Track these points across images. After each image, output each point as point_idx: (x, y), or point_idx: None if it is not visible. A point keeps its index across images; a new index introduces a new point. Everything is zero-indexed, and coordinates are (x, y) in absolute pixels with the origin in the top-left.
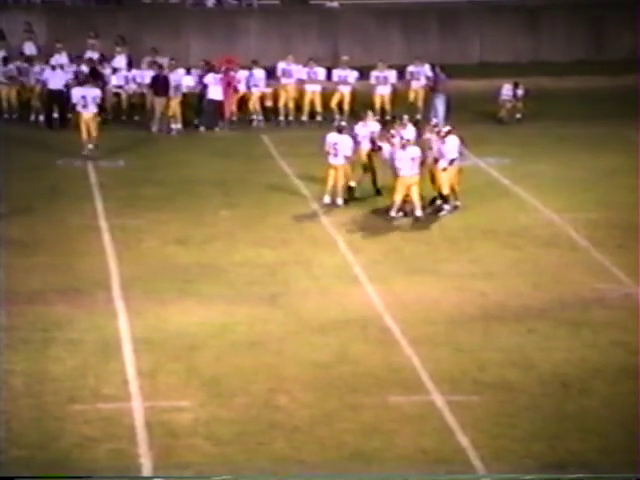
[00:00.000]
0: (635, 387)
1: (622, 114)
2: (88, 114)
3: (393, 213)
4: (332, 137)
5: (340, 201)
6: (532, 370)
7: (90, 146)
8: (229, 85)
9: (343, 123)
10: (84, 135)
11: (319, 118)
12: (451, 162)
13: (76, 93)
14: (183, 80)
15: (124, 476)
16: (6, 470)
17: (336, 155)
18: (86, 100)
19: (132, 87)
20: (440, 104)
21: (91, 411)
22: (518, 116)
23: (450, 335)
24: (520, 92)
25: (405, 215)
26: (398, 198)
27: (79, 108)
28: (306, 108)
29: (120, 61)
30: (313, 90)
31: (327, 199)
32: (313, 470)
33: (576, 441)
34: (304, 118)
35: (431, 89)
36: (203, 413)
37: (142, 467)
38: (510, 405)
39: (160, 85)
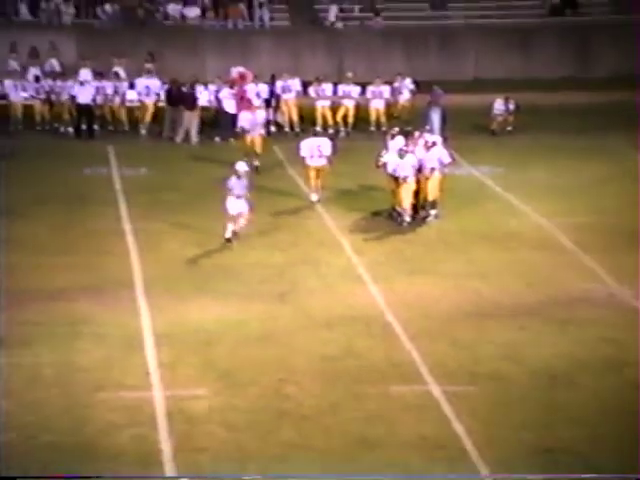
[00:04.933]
0: (619, 380)
1: (605, 127)
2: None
3: (408, 218)
4: (313, 141)
5: (316, 197)
6: (523, 363)
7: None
8: (242, 99)
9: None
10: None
11: (330, 130)
12: (431, 170)
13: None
14: (201, 95)
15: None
16: (38, 454)
17: (320, 156)
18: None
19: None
20: (436, 117)
21: (115, 399)
22: (509, 128)
23: (447, 331)
24: (511, 106)
25: (414, 218)
26: (407, 204)
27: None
28: (319, 122)
29: (149, 78)
30: (323, 105)
31: (314, 197)
32: (320, 455)
33: (564, 429)
34: (318, 129)
35: (428, 103)
36: (218, 402)
37: (162, 451)
38: (502, 395)
39: (174, 97)
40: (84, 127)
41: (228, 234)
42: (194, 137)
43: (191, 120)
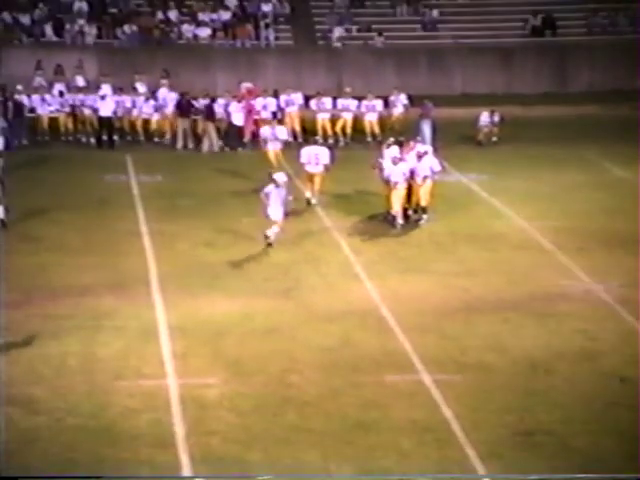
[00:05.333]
0: (593, 367)
1: (581, 138)
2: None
3: (400, 221)
4: (312, 149)
5: (314, 200)
6: (506, 353)
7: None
8: (250, 112)
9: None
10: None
11: (330, 140)
12: (424, 178)
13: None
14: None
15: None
16: (65, 436)
17: (317, 164)
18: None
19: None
20: (427, 128)
21: (133, 387)
22: (494, 139)
23: (437, 324)
24: (496, 119)
25: (407, 220)
26: (398, 208)
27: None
28: (320, 133)
29: (164, 92)
30: (323, 117)
31: (313, 200)
32: (320, 437)
33: (542, 413)
34: (318, 138)
35: (420, 116)
36: (227, 389)
37: (176, 434)
38: (487, 383)
39: (184, 107)
40: (105, 138)
41: (269, 233)
42: (215, 146)
43: (211, 130)
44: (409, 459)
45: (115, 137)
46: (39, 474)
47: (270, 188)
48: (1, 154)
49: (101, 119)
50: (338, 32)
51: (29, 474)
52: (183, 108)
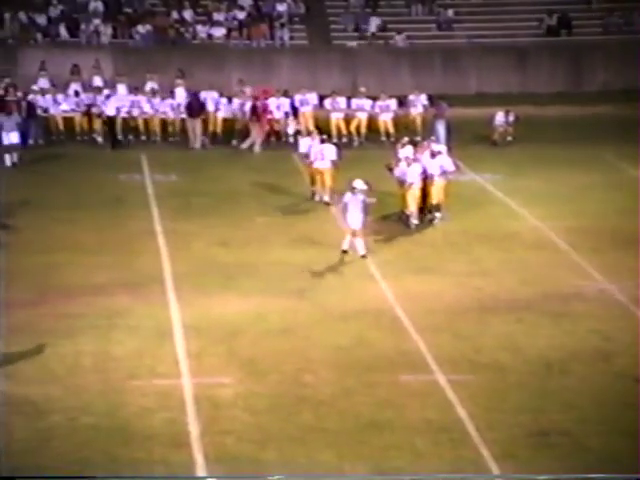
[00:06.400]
0: (607, 367)
1: (596, 138)
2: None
3: (415, 221)
4: (320, 146)
5: (327, 198)
6: (520, 353)
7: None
8: (264, 112)
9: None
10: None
11: (344, 140)
12: (436, 177)
13: None
14: (225, 107)
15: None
16: (78, 435)
17: (323, 159)
18: None
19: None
20: (441, 129)
21: (148, 386)
22: (509, 139)
23: (450, 324)
24: (511, 118)
25: (422, 220)
26: (413, 208)
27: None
28: (334, 132)
29: (180, 92)
30: (337, 117)
31: (326, 198)
32: (335, 437)
33: (557, 413)
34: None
35: (434, 116)
36: (241, 388)
37: (190, 433)
38: (501, 383)
39: (194, 108)
40: (99, 139)
41: (345, 246)
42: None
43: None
44: (423, 459)
45: (120, 137)
46: (53, 473)
47: (348, 197)
48: (16, 147)
49: (109, 118)
50: (375, 22)
51: (43, 473)
52: (193, 108)
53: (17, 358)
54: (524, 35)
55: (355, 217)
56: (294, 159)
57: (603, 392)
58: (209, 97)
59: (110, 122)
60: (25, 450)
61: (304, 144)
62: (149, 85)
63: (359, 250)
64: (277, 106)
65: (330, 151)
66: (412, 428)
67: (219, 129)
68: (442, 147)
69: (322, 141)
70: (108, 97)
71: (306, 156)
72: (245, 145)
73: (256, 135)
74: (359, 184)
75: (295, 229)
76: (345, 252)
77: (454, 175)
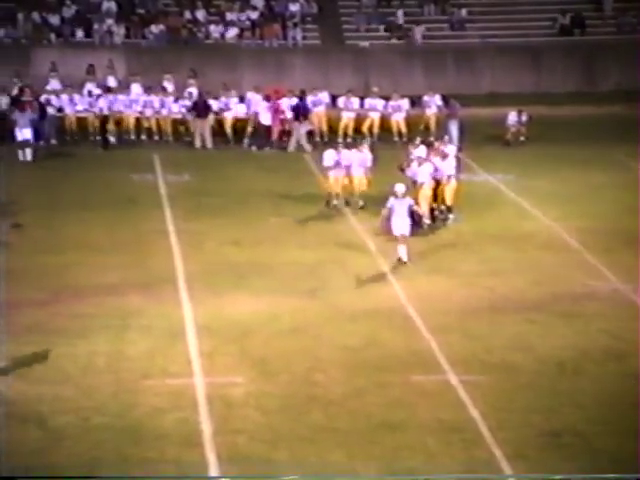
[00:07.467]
0: (619, 367)
1: (609, 138)
2: None
3: (427, 221)
4: (349, 153)
5: (361, 203)
6: (531, 353)
7: None
8: (277, 112)
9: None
10: None
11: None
12: (448, 178)
13: None
14: (238, 107)
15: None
16: (91, 435)
17: (359, 166)
18: None
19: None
20: (454, 128)
21: (160, 386)
22: (522, 139)
23: (462, 324)
24: (524, 118)
25: (434, 220)
26: (425, 208)
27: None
28: (341, 132)
29: (193, 91)
30: (349, 116)
31: (360, 203)
32: (345, 437)
33: (568, 413)
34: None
35: (447, 116)
36: (253, 388)
37: (203, 433)
38: (513, 383)
39: (200, 108)
40: (112, 139)
41: (402, 253)
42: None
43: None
44: (435, 459)
45: (112, 137)
46: (64, 473)
47: (392, 201)
48: (29, 144)
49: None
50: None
51: (55, 473)
52: (200, 109)
53: (29, 358)
54: (537, 35)
55: (401, 222)
56: (306, 160)
57: (615, 393)
58: (253, 99)
59: (102, 122)
60: (37, 450)
61: (329, 157)
62: (165, 84)
63: (402, 256)
64: (289, 106)
65: (364, 158)
66: (424, 428)
67: (250, 129)
68: (451, 148)
69: (349, 147)
70: (98, 97)
71: (333, 167)
72: (291, 147)
73: (299, 135)
74: (400, 188)
75: (307, 230)
76: (401, 261)
77: (466, 175)
